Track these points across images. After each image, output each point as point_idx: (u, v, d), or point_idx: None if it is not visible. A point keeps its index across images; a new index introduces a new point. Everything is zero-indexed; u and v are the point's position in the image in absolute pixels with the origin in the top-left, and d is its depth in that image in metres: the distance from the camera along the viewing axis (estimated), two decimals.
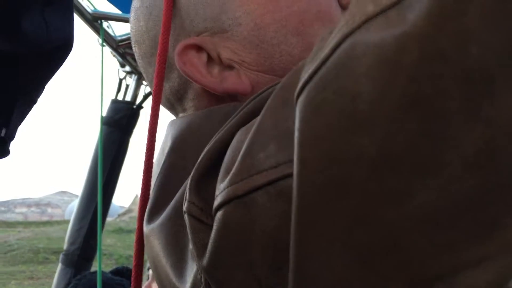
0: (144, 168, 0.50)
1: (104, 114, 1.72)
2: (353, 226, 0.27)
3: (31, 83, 0.73)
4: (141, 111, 1.79)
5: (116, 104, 1.78)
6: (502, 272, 0.29)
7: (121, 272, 1.51)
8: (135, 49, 0.55)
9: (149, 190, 0.48)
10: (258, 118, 0.34)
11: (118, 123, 1.74)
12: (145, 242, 0.45)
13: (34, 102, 0.75)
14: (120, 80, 1.80)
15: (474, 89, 0.24)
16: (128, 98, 1.80)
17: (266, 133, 0.33)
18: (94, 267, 1.61)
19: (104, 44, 1.57)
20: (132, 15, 0.55)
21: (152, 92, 0.49)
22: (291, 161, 0.30)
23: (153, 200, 0.44)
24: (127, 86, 1.80)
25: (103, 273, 1.36)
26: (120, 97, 1.81)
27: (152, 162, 0.50)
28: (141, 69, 0.56)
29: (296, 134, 0.29)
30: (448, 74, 0.24)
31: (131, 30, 0.56)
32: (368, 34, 0.26)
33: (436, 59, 0.24)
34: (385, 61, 0.25)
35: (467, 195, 0.26)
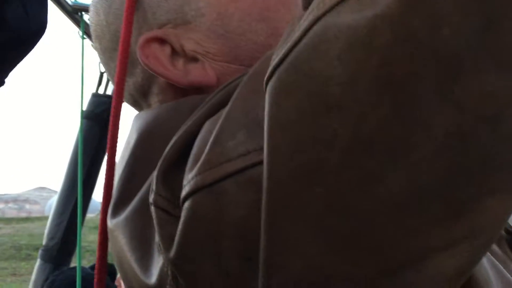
0: (107, 163, 0.49)
1: (84, 108, 1.70)
2: (325, 211, 0.27)
3: (4, 68, 0.73)
4: (122, 105, 1.77)
5: (97, 98, 1.76)
6: (467, 257, 0.29)
7: None
8: (96, 45, 0.54)
9: (112, 184, 0.47)
10: (227, 107, 0.34)
11: (99, 117, 1.72)
12: (109, 237, 0.44)
13: (2, 83, 0.75)
14: (101, 74, 1.78)
15: (444, 72, 0.24)
16: (109, 91, 1.78)
17: (235, 121, 0.32)
18: (74, 262, 1.59)
19: (85, 36, 1.55)
20: (91, 9, 0.53)
21: (114, 88, 0.48)
22: (261, 148, 0.29)
23: (118, 194, 0.43)
24: (108, 79, 1.78)
25: (82, 268, 1.34)
26: (101, 91, 1.79)
27: (115, 157, 0.49)
28: (103, 65, 0.55)
29: (266, 118, 0.28)
30: (420, 56, 0.24)
31: (90, 25, 0.55)
32: (340, 16, 0.26)
33: (408, 41, 0.24)
34: (357, 43, 0.25)
35: (437, 178, 0.26)
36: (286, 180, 0.27)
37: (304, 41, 0.27)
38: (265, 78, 0.29)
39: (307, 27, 0.27)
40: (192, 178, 0.32)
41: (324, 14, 0.26)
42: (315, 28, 0.27)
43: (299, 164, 0.27)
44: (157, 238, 0.35)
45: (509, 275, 0.41)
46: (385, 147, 0.25)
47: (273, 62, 0.29)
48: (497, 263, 0.41)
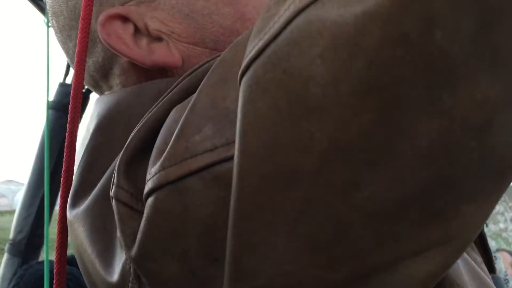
0: (66, 149, 0.46)
1: (52, 98, 1.66)
2: (299, 218, 0.26)
3: None
4: (91, 95, 1.73)
5: (65, 88, 1.71)
6: (441, 262, 0.28)
7: (70, 261, 1.46)
8: (53, 22, 0.51)
9: (72, 172, 0.45)
10: (194, 96, 0.32)
11: (67, 107, 1.68)
12: (69, 229, 0.42)
13: None
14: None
15: (435, 78, 0.23)
16: None
17: (202, 113, 0.30)
18: (43, 257, 1.55)
19: (50, 24, 1.50)
20: None
21: (74, 68, 0.46)
22: (229, 144, 0.28)
23: (77, 183, 0.41)
24: None
25: (50, 262, 1.31)
26: (68, 81, 1.74)
27: (75, 144, 0.47)
28: (60, 44, 0.52)
29: (239, 116, 0.26)
30: (410, 60, 0.22)
31: (47, 1, 0.52)
32: (325, 9, 0.24)
33: (399, 43, 0.22)
34: (343, 42, 0.23)
35: (418, 187, 0.25)
36: (258, 182, 0.26)
37: (284, 34, 0.25)
38: (240, 71, 0.27)
39: (288, 19, 0.25)
40: (156, 173, 0.31)
41: (307, 5, 0.24)
42: (297, 20, 0.24)
43: (273, 168, 0.25)
44: (118, 233, 0.33)
45: (473, 263, 0.41)
46: (366, 155, 0.24)
47: (249, 54, 0.27)
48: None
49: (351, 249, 0.26)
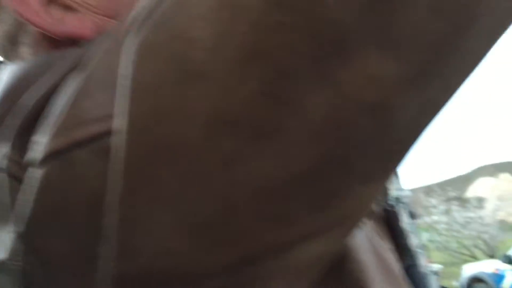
0: None
1: None
2: (182, 192, 0.24)
3: None
4: None
5: None
6: (333, 243, 0.28)
7: None
8: None
9: None
10: (91, 62, 0.30)
11: None
12: None
13: None
14: None
15: (324, 48, 0.21)
16: None
17: (96, 80, 0.28)
18: None
19: None
20: None
21: None
22: (122, 113, 0.25)
23: None
24: None
25: None
26: None
27: None
28: None
29: (126, 82, 0.24)
30: (296, 26, 0.21)
31: None
32: None
33: (283, 6, 0.21)
34: (225, 2, 0.22)
35: (307, 165, 0.23)
36: (142, 155, 0.24)
37: None
38: (124, 30, 0.25)
39: None
40: (43, 143, 0.28)
41: None
42: None
43: (158, 138, 0.24)
44: (8, 208, 0.31)
45: (378, 245, 0.41)
46: (251, 127, 0.23)
47: (135, 14, 0.25)
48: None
49: (236, 230, 0.25)
